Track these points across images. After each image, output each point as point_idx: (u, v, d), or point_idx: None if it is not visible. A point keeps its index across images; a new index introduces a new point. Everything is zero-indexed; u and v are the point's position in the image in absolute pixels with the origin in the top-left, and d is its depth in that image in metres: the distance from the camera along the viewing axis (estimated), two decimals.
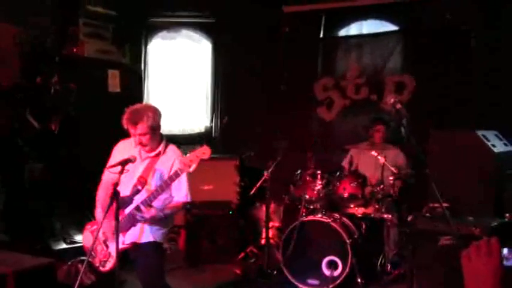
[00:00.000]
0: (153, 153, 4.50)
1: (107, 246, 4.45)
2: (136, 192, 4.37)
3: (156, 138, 4.50)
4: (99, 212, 4.56)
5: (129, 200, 4.36)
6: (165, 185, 4.27)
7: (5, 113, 6.73)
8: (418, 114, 6.81)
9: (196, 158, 4.14)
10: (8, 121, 6.74)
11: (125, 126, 4.39)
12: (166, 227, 4.62)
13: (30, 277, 4.57)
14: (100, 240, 4.47)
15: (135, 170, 4.42)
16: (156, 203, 4.37)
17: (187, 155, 4.21)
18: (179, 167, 4.22)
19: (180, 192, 4.49)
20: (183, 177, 4.44)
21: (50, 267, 4.87)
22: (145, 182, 4.40)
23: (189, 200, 4.56)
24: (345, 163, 7.27)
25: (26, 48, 7.12)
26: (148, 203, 4.27)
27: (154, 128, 4.42)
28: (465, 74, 7.33)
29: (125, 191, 4.33)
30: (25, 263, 4.72)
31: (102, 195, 4.60)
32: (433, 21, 7.52)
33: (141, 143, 4.41)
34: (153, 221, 4.41)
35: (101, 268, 4.47)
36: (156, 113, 4.45)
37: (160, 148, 4.51)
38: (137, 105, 4.51)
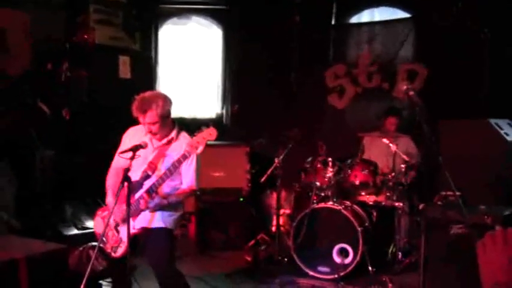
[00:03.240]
0: (165, 140, 4.48)
1: (118, 232, 4.46)
2: (146, 177, 4.37)
3: (167, 125, 4.47)
4: (109, 198, 4.56)
5: (138, 185, 4.36)
6: (173, 168, 4.24)
7: (14, 102, 6.74)
8: (430, 102, 6.76)
9: (203, 140, 4.11)
10: (18, 111, 6.75)
11: (134, 115, 4.36)
12: (178, 213, 4.60)
13: (42, 263, 4.59)
14: (111, 226, 4.48)
15: (147, 157, 4.40)
16: (165, 189, 4.38)
17: (194, 137, 4.19)
18: (186, 149, 4.17)
19: (187, 179, 4.47)
20: (193, 164, 4.43)
21: (61, 253, 4.88)
22: (156, 168, 4.39)
23: (195, 187, 4.51)
24: (359, 152, 7.26)
25: (37, 35, 7.13)
26: (153, 189, 4.27)
27: (164, 116, 4.37)
28: (477, 62, 7.26)
29: (135, 177, 4.33)
30: (37, 249, 4.73)
31: (112, 181, 4.60)
32: (445, 9, 7.44)
33: (150, 132, 4.38)
34: (158, 208, 4.41)
35: (112, 254, 4.47)
36: (165, 101, 4.39)
37: (173, 135, 4.49)
38: (146, 93, 4.46)
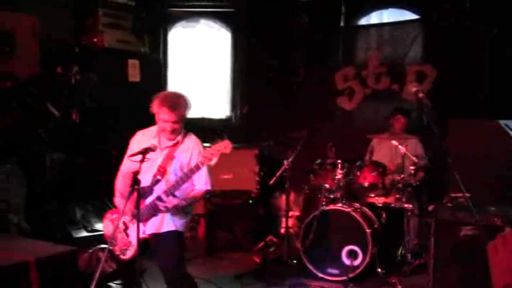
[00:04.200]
0: (171, 143, 4.50)
1: (128, 235, 4.47)
2: (156, 182, 4.38)
3: (182, 125, 4.49)
4: (118, 200, 4.58)
5: (149, 190, 4.38)
6: (186, 177, 4.26)
7: (24, 106, 6.77)
8: (439, 103, 6.75)
9: (217, 152, 4.13)
10: (27, 114, 6.78)
11: (157, 110, 4.35)
12: (188, 217, 4.62)
13: (52, 265, 4.61)
14: (120, 229, 4.49)
15: (155, 160, 4.41)
16: (177, 193, 4.38)
17: (209, 148, 4.19)
18: (200, 160, 4.19)
19: (200, 181, 4.48)
20: (203, 168, 4.44)
21: (71, 255, 4.90)
22: (165, 172, 4.41)
23: (209, 187, 4.53)
24: (368, 154, 7.25)
25: (46, 39, 7.16)
26: (171, 192, 4.28)
27: (184, 118, 4.43)
28: (485, 62, 7.24)
29: (144, 180, 4.33)
30: (47, 251, 4.76)
31: (121, 184, 4.61)
32: (453, 10, 7.43)
33: (172, 130, 4.37)
34: (175, 210, 4.41)
35: (121, 256, 4.48)
36: (190, 103, 4.45)
37: (179, 137, 4.50)
38: (173, 91, 4.51)
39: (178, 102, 4.34)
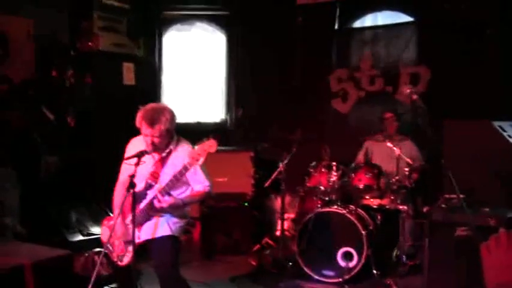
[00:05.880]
0: (164, 153, 4.48)
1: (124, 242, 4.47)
2: (148, 187, 4.40)
3: (167, 139, 4.45)
4: (117, 214, 4.55)
5: (142, 195, 4.39)
6: (175, 179, 4.26)
7: (19, 110, 6.77)
8: (433, 105, 6.77)
9: (204, 152, 4.11)
10: (22, 117, 6.77)
11: (138, 125, 4.33)
12: (183, 221, 4.62)
13: (48, 268, 4.63)
14: (117, 236, 4.50)
15: (148, 167, 4.42)
16: (173, 192, 4.38)
17: (195, 148, 4.19)
18: (187, 161, 4.18)
19: (199, 183, 4.48)
20: (197, 170, 4.41)
21: (67, 258, 4.92)
22: (158, 176, 4.42)
23: (208, 187, 4.51)
24: (360, 155, 7.26)
25: (41, 42, 7.17)
26: (166, 191, 4.29)
27: (169, 131, 4.37)
28: (481, 65, 7.26)
29: (138, 186, 4.33)
30: (43, 255, 4.77)
31: (119, 197, 4.57)
32: (448, 12, 7.45)
33: (152, 144, 4.33)
34: (172, 210, 4.41)
35: (119, 262, 4.48)
36: (173, 117, 4.38)
37: (171, 146, 4.48)
38: (155, 105, 4.46)
39: (158, 117, 4.27)
